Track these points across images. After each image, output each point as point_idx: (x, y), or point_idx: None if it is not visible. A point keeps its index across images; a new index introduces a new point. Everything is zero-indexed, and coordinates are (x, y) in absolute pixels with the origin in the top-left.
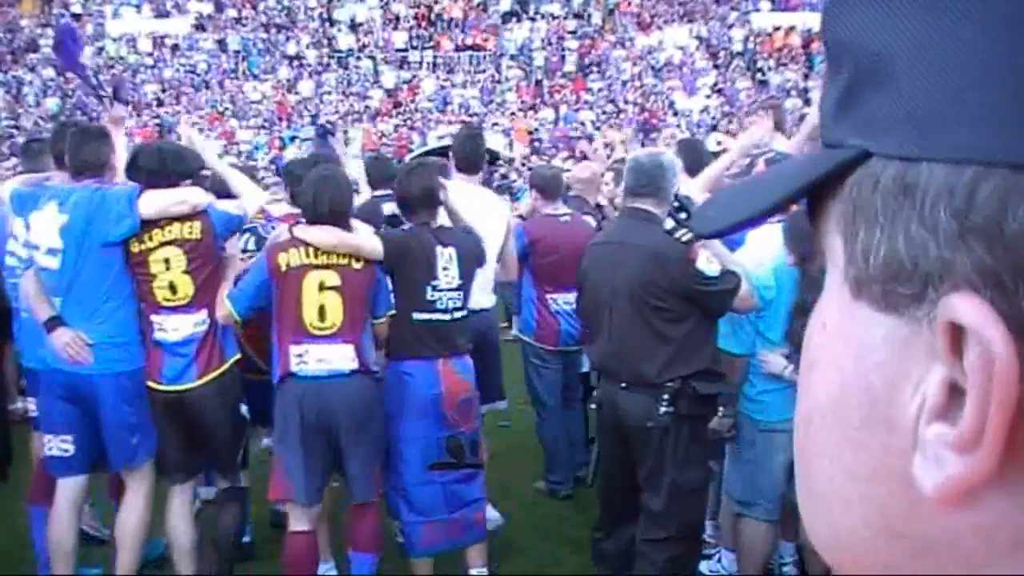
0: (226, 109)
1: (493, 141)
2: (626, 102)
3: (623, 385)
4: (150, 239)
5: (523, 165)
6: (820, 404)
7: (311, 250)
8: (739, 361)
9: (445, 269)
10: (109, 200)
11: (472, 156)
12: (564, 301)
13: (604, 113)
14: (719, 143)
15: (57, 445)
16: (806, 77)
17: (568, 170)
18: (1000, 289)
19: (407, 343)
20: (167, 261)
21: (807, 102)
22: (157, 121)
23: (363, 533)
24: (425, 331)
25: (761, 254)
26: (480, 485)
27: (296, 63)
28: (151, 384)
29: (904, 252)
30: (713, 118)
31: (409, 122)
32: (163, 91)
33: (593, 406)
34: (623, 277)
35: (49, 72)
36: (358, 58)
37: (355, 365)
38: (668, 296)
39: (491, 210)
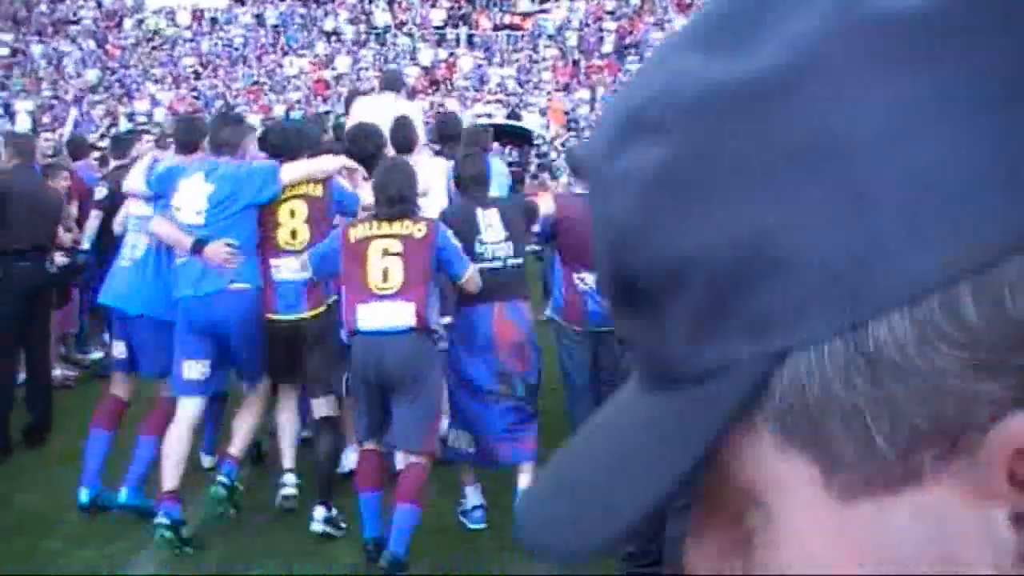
0: (263, 83)
1: (529, 120)
2: None
3: None
4: (282, 192)
5: (562, 145)
6: None
7: (376, 223)
8: None
9: (489, 226)
10: (255, 173)
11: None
12: (593, 280)
13: None
14: None
15: (196, 369)
16: None
17: None
18: None
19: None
20: (292, 212)
21: None
22: (195, 95)
23: (406, 485)
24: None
25: None
26: (530, 418)
27: (333, 38)
28: (269, 316)
29: (917, 420)
30: None
31: (445, 100)
32: (201, 65)
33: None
34: None
35: (90, 44)
36: (395, 35)
37: (413, 323)
38: None
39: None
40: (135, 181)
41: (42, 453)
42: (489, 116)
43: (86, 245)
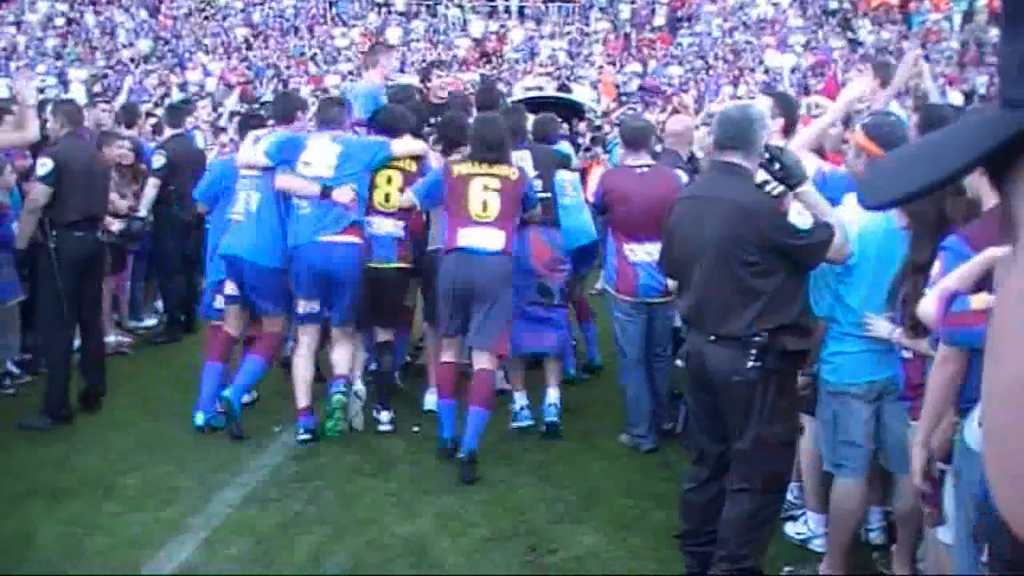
0: (314, 54)
1: (580, 93)
2: (716, 58)
3: (711, 338)
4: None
5: (615, 119)
6: (1007, 400)
7: (477, 163)
8: (817, 324)
9: (522, 163)
10: (371, 143)
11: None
12: (644, 252)
13: (692, 69)
14: (817, 105)
15: (309, 306)
16: (903, 38)
17: (661, 124)
18: None
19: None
20: (390, 179)
21: None
22: (246, 64)
23: (479, 390)
24: None
25: (846, 216)
26: (563, 320)
27: (384, 9)
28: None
29: None
30: (804, 76)
31: (496, 72)
32: (253, 35)
33: (679, 361)
34: (710, 231)
35: (142, 13)
36: (447, 6)
37: (501, 246)
38: (757, 250)
39: None
40: (251, 156)
41: (99, 418)
42: (540, 89)
43: (143, 212)
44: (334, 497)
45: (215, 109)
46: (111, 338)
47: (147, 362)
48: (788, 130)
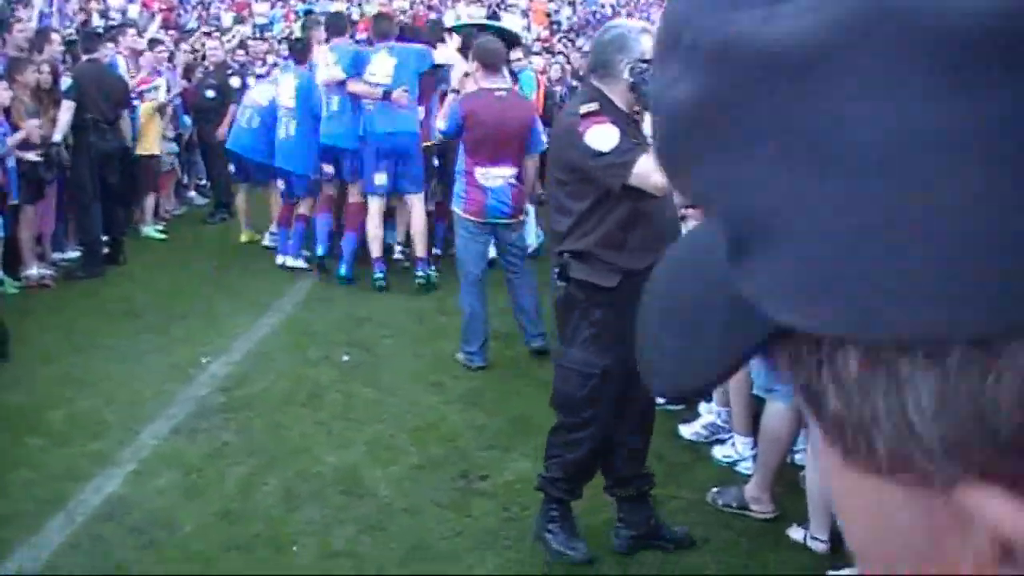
0: None
1: (510, 21)
2: None
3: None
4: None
5: (544, 49)
6: (867, 554)
7: None
8: None
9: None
10: (420, 51)
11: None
12: (496, 175)
13: None
14: None
15: (381, 178)
16: None
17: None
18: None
19: None
20: None
21: None
22: None
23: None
24: None
25: None
26: None
27: None
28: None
29: (884, 450)
30: None
31: (426, 1)
32: None
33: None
34: (552, 149)
35: None
36: None
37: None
38: (563, 169)
39: None
40: (328, 73)
41: (23, 352)
42: (469, 17)
43: (57, 138)
44: (263, 427)
45: (140, 35)
46: (33, 271)
47: (72, 295)
48: None
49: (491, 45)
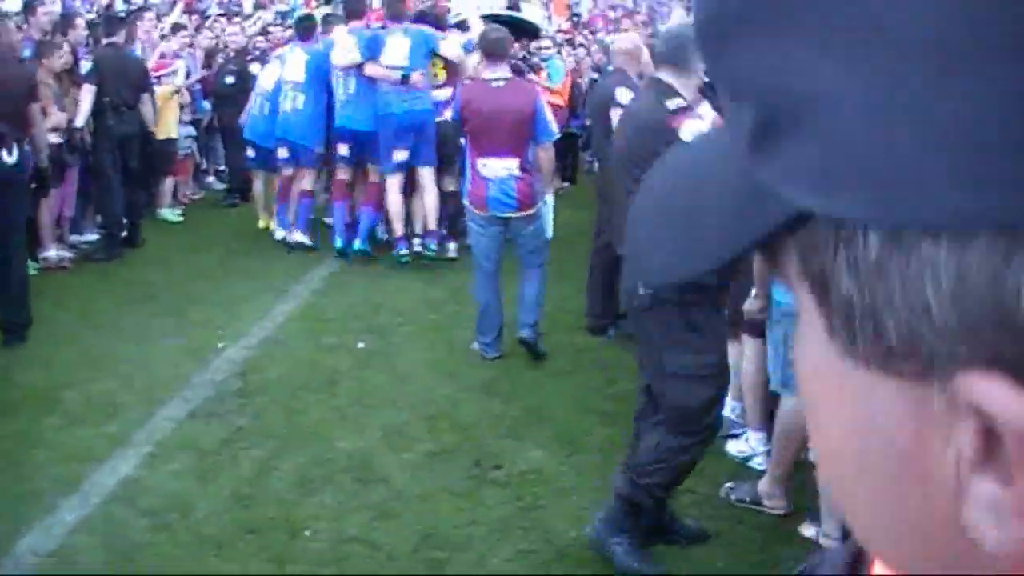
0: None
1: (530, 13)
2: None
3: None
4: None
5: (566, 41)
6: (840, 456)
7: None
8: None
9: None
10: (429, 34)
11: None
12: (498, 166)
13: None
14: None
15: (400, 155)
16: None
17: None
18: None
19: None
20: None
21: None
22: None
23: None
24: None
25: None
26: None
27: None
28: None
29: (894, 333)
30: None
31: None
32: None
33: None
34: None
35: None
36: None
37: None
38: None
39: None
40: (346, 57)
41: (42, 332)
42: (490, 8)
43: (79, 123)
44: (278, 412)
45: (159, 20)
46: (52, 253)
47: (90, 277)
48: None
49: (493, 35)
